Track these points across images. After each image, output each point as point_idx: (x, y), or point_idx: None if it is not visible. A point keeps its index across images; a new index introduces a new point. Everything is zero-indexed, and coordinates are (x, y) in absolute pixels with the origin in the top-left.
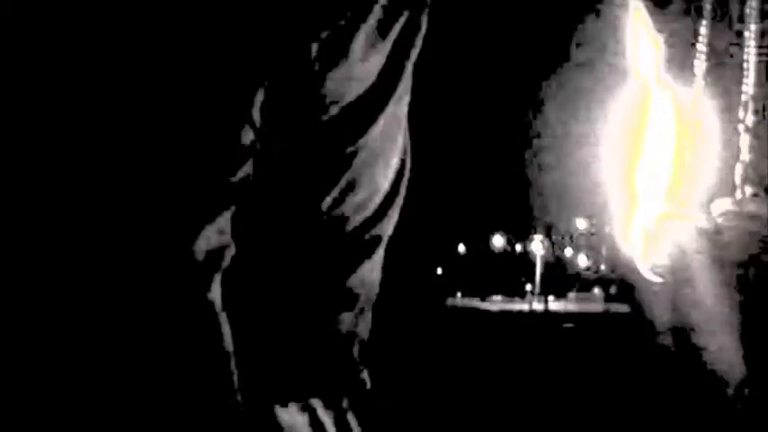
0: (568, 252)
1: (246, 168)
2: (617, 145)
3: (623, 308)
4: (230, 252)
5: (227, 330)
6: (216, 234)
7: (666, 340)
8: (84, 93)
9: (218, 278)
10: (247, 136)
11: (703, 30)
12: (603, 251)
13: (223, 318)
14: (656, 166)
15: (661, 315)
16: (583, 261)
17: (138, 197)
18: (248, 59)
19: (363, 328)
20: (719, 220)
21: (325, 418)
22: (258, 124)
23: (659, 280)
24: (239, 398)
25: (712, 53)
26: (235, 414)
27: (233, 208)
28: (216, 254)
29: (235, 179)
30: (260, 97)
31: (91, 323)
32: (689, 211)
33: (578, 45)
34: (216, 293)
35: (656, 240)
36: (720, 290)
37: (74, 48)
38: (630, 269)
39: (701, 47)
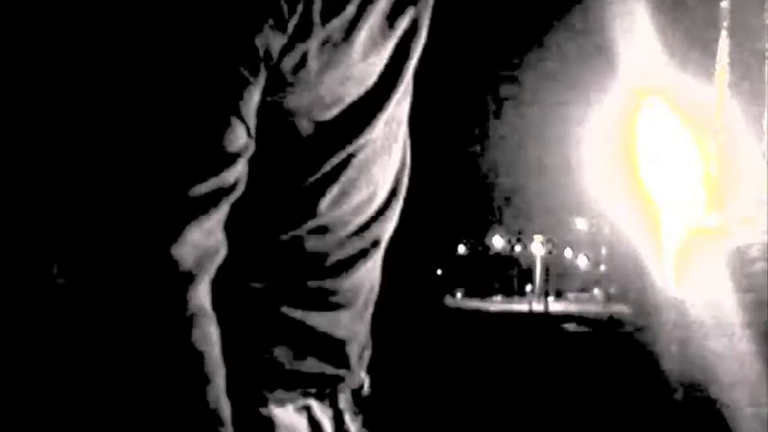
0: (568, 253)
1: (238, 168)
2: (627, 150)
3: (623, 309)
4: (220, 253)
5: (214, 330)
6: (203, 235)
7: (679, 351)
8: (74, 91)
9: (204, 279)
10: (239, 136)
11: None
12: (604, 252)
13: (209, 319)
14: (686, 183)
15: (681, 329)
16: (583, 262)
17: (120, 196)
18: (243, 58)
19: (362, 329)
20: (748, 237)
21: (323, 418)
22: (253, 124)
23: (687, 295)
24: (231, 398)
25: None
26: (218, 416)
27: (224, 209)
28: (202, 255)
29: (224, 179)
30: (255, 96)
31: (69, 323)
32: (718, 227)
33: (587, 46)
34: (200, 294)
35: (684, 256)
36: (748, 305)
37: (64, 47)
38: (647, 282)
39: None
